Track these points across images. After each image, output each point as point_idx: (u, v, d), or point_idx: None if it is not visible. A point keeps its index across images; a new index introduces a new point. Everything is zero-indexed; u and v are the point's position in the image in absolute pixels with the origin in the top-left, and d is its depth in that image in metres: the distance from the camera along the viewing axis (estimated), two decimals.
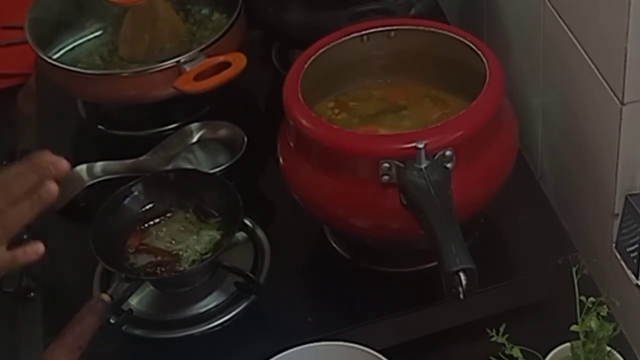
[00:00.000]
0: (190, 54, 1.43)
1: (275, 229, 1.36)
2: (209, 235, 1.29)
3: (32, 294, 1.32)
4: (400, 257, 1.29)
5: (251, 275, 1.27)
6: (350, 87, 1.34)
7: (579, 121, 1.22)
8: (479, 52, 1.23)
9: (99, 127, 1.57)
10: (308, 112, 1.19)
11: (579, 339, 1.10)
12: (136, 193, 1.32)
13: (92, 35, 1.57)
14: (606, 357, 1.11)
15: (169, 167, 1.41)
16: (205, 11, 1.58)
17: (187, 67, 1.42)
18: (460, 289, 1.01)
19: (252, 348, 1.21)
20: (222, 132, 1.46)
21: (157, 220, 1.31)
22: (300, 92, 1.21)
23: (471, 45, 1.24)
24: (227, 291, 1.28)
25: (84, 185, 1.42)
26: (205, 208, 1.31)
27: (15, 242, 1.28)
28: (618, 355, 1.12)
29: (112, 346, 1.25)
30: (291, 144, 1.23)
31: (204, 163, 1.43)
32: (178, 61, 1.43)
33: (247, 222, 1.34)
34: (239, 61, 1.42)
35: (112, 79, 1.46)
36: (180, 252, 1.27)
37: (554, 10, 1.20)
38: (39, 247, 1.07)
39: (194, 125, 1.47)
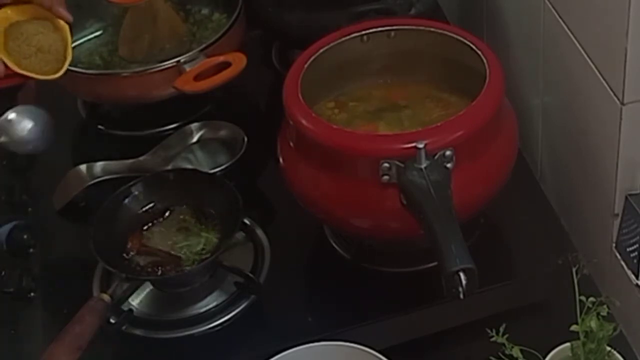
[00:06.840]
0: (190, 54, 1.43)
1: (275, 229, 1.36)
2: (209, 235, 1.28)
3: (32, 294, 1.31)
4: (400, 257, 1.29)
5: (251, 275, 1.27)
6: (350, 87, 1.33)
7: (579, 121, 1.22)
8: (479, 52, 1.23)
9: (99, 127, 1.57)
10: (308, 112, 1.19)
11: (579, 339, 1.10)
12: (136, 193, 1.32)
13: (92, 35, 1.57)
14: (606, 357, 1.11)
15: (169, 167, 1.41)
16: (205, 11, 1.58)
17: (187, 67, 1.42)
18: (460, 289, 1.01)
19: (252, 348, 1.21)
20: (222, 132, 1.46)
21: (157, 220, 1.31)
22: (300, 92, 1.21)
23: (471, 45, 1.24)
24: (227, 291, 1.28)
25: (84, 185, 1.42)
26: (205, 208, 1.31)
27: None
28: (618, 355, 1.12)
29: (112, 346, 1.25)
30: (291, 144, 1.23)
31: (204, 163, 1.43)
32: (178, 61, 1.43)
33: (247, 222, 1.34)
34: (239, 61, 1.42)
35: (112, 79, 1.46)
36: (180, 252, 1.27)
37: (554, 10, 1.20)
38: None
39: (194, 125, 1.47)
